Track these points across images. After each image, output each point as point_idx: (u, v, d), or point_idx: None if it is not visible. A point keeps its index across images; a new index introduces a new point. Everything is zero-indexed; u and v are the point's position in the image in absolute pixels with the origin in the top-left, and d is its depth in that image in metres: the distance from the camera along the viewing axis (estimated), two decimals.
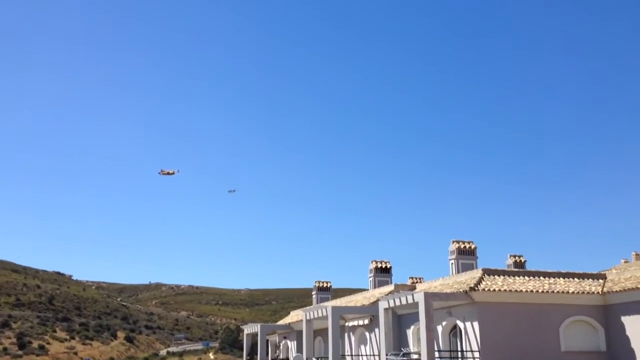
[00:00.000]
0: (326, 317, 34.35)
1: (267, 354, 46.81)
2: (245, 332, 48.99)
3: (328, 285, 49.00)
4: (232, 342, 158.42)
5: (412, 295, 28.23)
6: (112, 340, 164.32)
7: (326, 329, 34.80)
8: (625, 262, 41.29)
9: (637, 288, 26.60)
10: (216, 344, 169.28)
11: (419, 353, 28.30)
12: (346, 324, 36.75)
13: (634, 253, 41.17)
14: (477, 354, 27.16)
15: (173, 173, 55.28)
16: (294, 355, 40.87)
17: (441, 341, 29.53)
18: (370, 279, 42.24)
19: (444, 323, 29.38)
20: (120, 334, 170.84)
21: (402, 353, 30.01)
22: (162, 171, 55.14)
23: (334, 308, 34.29)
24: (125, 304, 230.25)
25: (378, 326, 31.82)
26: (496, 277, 29.12)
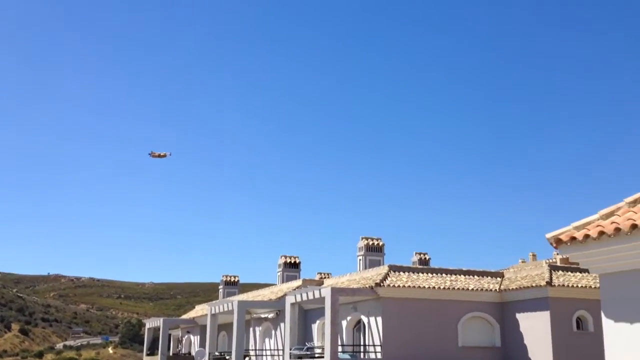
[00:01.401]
0: (232, 312, 34.02)
1: (169, 348, 45.87)
2: (147, 326, 47.82)
3: (235, 280, 48.57)
4: (133, 336, 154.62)
5: (319, 290, 28.42)
6: (5, 332, 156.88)
7: (231, 324, 34.45)
8: (522, 261, 43.21)
9: (531, 286, 27.84)
10: (116, 339, 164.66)
11: (322, 347, 28.51)
12: (252, 318, 36.54)
13: (531, 253, 43.17)
14: (378, 348, 27.66)
15: (165, 155, 52.39)
16: (196, 350, 40.22)
17: (345, 336, 29.88)
18: (279, 273, 42.20)
19: (348, 318, 29.74)
20: (15, 326, 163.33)
21: (305, 347, 30.14)
22: (152, 153, 52.10)
23: (240, 302, 34.01)
24: (21, 295, 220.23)
25: (284, 321, 31.83)
26: (401, 273, 29.74)
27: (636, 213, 9.04)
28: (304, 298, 29.54)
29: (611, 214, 9.58)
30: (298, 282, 36.31)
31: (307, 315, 32.75)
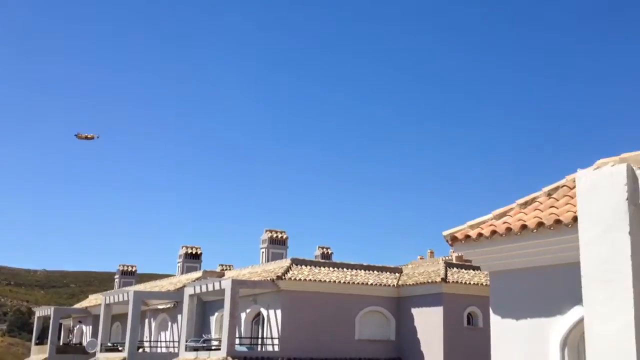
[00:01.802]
0: (127, 302, 33.07)
1: (59, 338, 44.06)
2: (37, 314, 45.73)
3: (133, 270, 47.25)
4: (21, 325, 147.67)
5: (220, 282, 28.11)
6: None
7: (126, 314, 33.47)
8: (421, 258, 44.47)
9: (427, 282, 28.67)
10: (4, 327, 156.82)
11: (219, 340, 28.21)
12: (148, 309, 35.67)
13: (429, 250, 44.52)
14: (276, 341, 27.66)
15: (92, 137, 49.24)
16: (88, 340, 38.85)
17: (243, 328, 29.69)
18: (179, 264, 41.39)
19: (248, 310, 29.58)
20: None
21: (202, 339, 29.73)
22: (79, 135, 48.89)
23: (135, 293, 33.12)
24: None
25: (181, 312, 31.24)
26: (303, 267, 29.87)
27: (527, 214, 9.38)
28: (204, 290, 29.12)
29: (504, 214, 9.90)
30: (198, 274, 35.76)
31: (205, 307, 32.30)
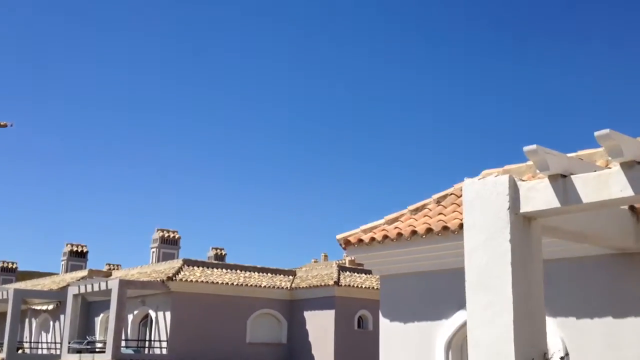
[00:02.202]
0: (6, 301, 31.27)
1: None
2: None
3: (14, 267, 44.82)
4: None
5: (106, 282, 27.13)
6: None
7: (5, 313, 31.63)
8: (315, 261, 44.82)
9: (320, 285, 28.93)
10: None
11: (104, 342, 27.21)
12: (29, 308, 33.86)
13: (323, 254, 44.97)
14: (164, 344, 27.02)
15: (5, 125, 44.86)
16: None
17: (130, 330, 28.78)
18: (63, 262, 39.65)
19: (135, 312, 28.71)
20: None
21: (86, 342, 28.57)
22: None
23: (16, 291, 31.41)
24: None
25: (64, 312, 29.88)
26: (195, 268, 29.33)
27: (417, 220, 9.64)
28: (89, 289, 28.02)
29: (395, 219, 10.13)
30: (84, 273, 34.34)
31: (90, 307, 31.06)
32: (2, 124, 47.00)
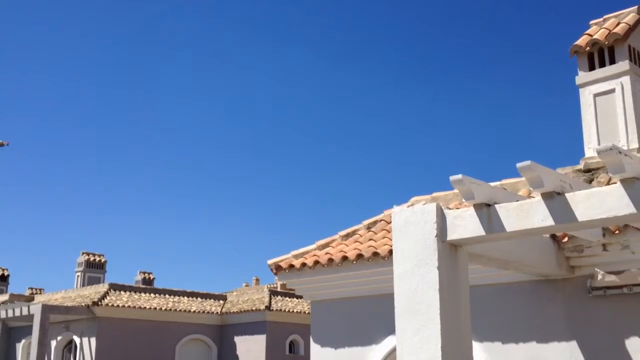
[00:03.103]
0: None
1: None
2: None
3: None
4: None
5: (28, 306, 26.11)
6: None
7: None
8: (246, 285, 44.44)
9: (251, 310, 28.64)
10: None
11: None
12: None
13: (254, 278, 44.63)
14: None
15: (2, 145, 41.51)
16: None
17: (53, 357, 27.71)
18: None
19: (59, 338, 27.69)
20: None
21: None
22: None
23: None
24: None
25: None
26: (122, 292, 28.56)
27: (347, 246, 9.72)
28: (10, 314, 26.91)
29: (326, 245, 10.18)
30: (4, 297, 32.89)
31: (11, 333, 29.77)
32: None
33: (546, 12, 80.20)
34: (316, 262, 9.58)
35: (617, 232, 6.83)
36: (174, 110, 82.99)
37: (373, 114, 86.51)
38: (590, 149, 8.79)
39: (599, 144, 8.69)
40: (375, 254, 8.91)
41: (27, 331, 27.72)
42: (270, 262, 10.35)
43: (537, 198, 5.39)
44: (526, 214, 5.41)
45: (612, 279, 7.09)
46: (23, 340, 29.07)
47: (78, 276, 34.42)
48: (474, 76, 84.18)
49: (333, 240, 10.23)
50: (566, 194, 5.27)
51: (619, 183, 5.01)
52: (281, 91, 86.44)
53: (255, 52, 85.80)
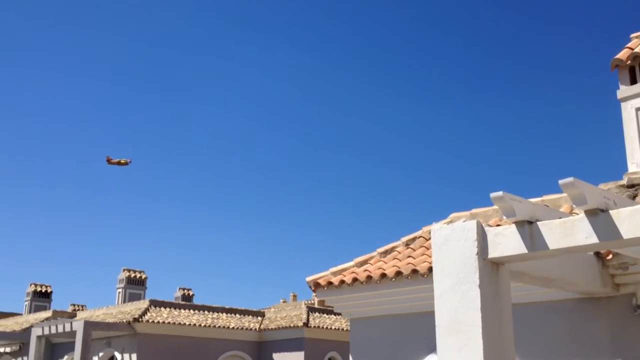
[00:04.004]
0: None
1: None
2: None
3: None
4: None
5: (71, 323, 26.53)
6: None
7: None
8: (283, 301, 44.43)
9: (289, 327, 28.64)
10: None
11: None
12: None
13: (291, 294, 44.59)
14: None
15: (126, 163, 42.98)
16: None
17: None
18: (27, 303, 38.70)
19: (101, 354, 28.06)
20: None
21: None
22: (110, 160, 42.42)
23: None
24: None
25: (27, 354, 29.07)
26: (162, 309, 28.86)
27: (386, 263, 9.68)
28: (53, 331, 27.34)
29: (365, 262, 10.17)
30: (48, 313, 33.57)
31: (55, 349, 30.29)
32: (122, 161, 44.43)
33: (587, 26, 79.15)
34: (354, 280, 9.57)
35: None
36: (214, 121, 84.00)
37: (412, 131, 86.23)
38: (634, 164, 8.63)
39: None
40: (415, 271, 8.86)
41: (69, 347, 28.16)
42: (308, 279, 10.36)
43: (581, 215, 5.32)
44: (570, 231, 5.34)
45: None
46: (66, 356, 29.52)
47: (119, 292, 34.91)
48: (515, 92, 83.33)
49: (371, 257, 10.21)
50: (610, 211, 5.18)
51: None
52: (321, 110, 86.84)
53: (316, 77, 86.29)
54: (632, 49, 9.02)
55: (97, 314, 31.00)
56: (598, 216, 5.20)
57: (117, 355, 27.51)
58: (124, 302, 33.28)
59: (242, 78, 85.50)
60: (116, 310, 30.20)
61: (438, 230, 6.04)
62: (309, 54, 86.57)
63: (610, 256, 7.02)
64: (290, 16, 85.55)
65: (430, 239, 6.24)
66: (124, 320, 26.81)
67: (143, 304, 29.10)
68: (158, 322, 27.03)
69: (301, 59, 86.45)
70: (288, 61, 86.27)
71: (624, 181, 8.31)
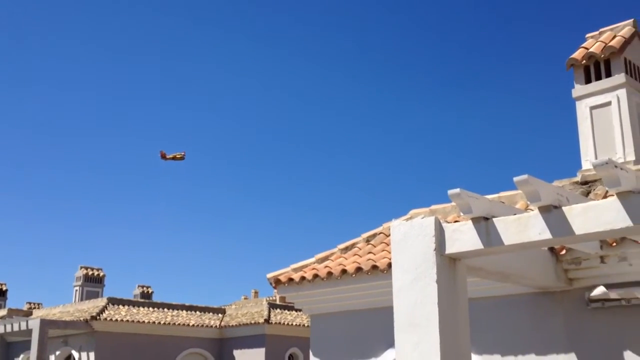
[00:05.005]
0: None
1: None
2: None
3: None
4: None
5: (27, 321, 26.02)
6: None
7: None
8: (245, 298, 44.35)
9: (250, 323, 28.56)
10: None
11: None
12: None
13: (253, 290, 44.54)
14: None
15: (182, 157, 40.63)
16: None
17: None
18: None
19: (57, 352, 27.59)
20: None
21: None
22: (165, 155, 39.91)
23: None
24: None
25: None
26: (121, 306, 28.50)
27: (347, 259, 9.73)
28: (8, 329, 26.80)
29: (325, 258, 10.20)
30: (3, 312, 32.80)
31: (10, 348, 29.66)
32: (178, 155, 42.26)
33: (543, 25, 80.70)
34: (315, 276, 9.60)
35: (614, 244, 6.87)
36: (169, 118, 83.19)
37: (372, 125, 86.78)
38: (587, 162, 8.84)
39: (595, 157, 8.75)
40: (375, 267, 8.93)
41: (25, 346, 27.62)
42: (269, 275, 10.36)
43: (535, 212, 5.43)
44: (524, 227, 5.45)
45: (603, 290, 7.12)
46: (22, 355, 28.95)
47: (76, 290, 34.33)
48: (471, 88, 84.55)
49: (332, 254, 10.25)
50: (563, 208, 5.31)
51: (615, 197, 5.05)
52: (280, 102, 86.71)
53: (276, 70, 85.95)
54: (587, 48, 9.23)
55: (54, 312, 30.45)
56: (551, 212, 5.33)
57: (75, 353, 27.09)
58: (82, 300, 32.77)
59: (209, 76, 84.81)
60: (73, 308, 29.71)
61: (397, 226, 6.11)
62: (270, 48, 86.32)
63: (563, 251, 7.19)
64: (256, 14, 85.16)
65: (390, 235, 6.30)
66: (82, 319, 26.40)
67: (101, 301, 28.69)
68: (116, 320, 26.69)
69: (263, 52, 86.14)
70: (251, 56, 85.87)
71: (578, 178, 8.52)
